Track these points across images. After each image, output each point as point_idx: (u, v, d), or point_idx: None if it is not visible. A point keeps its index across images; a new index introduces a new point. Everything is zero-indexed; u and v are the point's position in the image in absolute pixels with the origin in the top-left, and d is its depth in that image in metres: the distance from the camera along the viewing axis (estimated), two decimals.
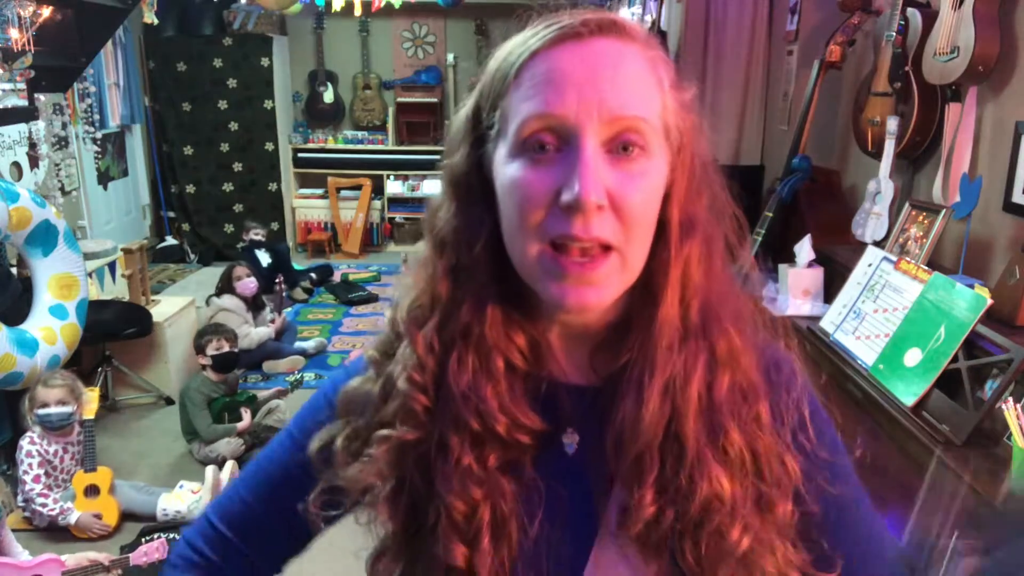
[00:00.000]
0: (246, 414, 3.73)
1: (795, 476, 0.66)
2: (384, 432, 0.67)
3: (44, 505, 3.05)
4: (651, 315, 0.64)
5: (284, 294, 5.10)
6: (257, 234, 6.27)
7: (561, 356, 0.70)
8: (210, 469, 3.29)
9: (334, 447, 0.71)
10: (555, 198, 0.59)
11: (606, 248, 0.60)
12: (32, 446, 3.13)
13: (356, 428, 0.70)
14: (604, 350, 0.68)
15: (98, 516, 3.10)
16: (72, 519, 3.06)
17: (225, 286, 4.83)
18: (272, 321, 5.00)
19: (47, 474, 3.16)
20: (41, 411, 3.12)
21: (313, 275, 6.48)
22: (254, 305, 4.92)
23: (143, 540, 2.94)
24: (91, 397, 3.19)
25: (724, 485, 0.63)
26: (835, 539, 0.68)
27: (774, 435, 0.66)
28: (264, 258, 6.16)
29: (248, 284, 4.79)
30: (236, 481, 0.82)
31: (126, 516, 3.20)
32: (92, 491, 3.13)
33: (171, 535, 2.95)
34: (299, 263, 6.89)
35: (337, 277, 6.64)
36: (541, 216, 0.60)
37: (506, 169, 0.62)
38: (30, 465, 3.10)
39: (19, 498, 3.14)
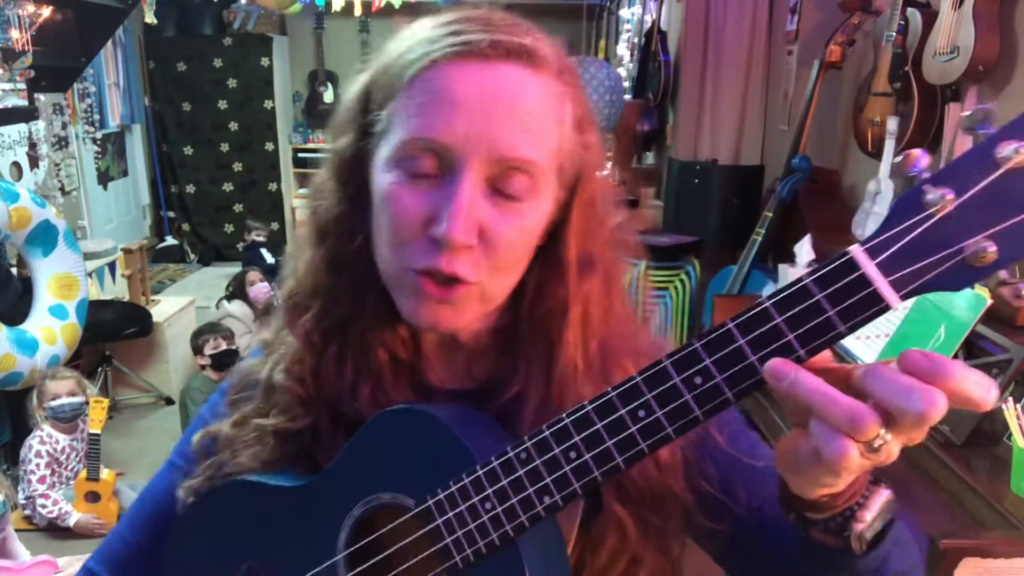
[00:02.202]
0: None
1: (688, 503, 0.64)
2: (265, 422, 0.67)
3: (44, 507, 3.06)
4: (548, 353, 0.63)
5: (276, 302, 5.02)
6: (260, 234, 6.27)
7: (436, 362, 0.69)
8: None
9: (221, 435, 0.70)
10: (425, 225, 0.57)
11: (462, 280, 0.58)
12: (42, 446, 3.14)
13: (244, 414, 0.69)
14: (481, 362, 0.68)
15: (96, 519, 3.11)
16: (71, 521, 3.07)
17: (237, 291, 4.74)
18: None
19: (52, 471, 3.18)
20: (54, 403, 3.13)
21: None
22: (265, 312, 4.81)
23: None
24: (99, 410, 3.18)
25: (629, 527, 0.62)
26: (728, 493, 0.65)
27: (672, 473, 0.63)
28: (269, 257, 6.15)
29: (261, 289, 4.69)
30: (117, 525, 0.79)
31: None
32: (93, 497, 3.14)
33: None
34: None
35: None
36: (411, 241, 0.58)
37: (384, 177, 0.59)
38: (37, 465, 3.11)
39: (21, 495, 3.14)
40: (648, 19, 5.10)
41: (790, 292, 0.46)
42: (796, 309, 0.45)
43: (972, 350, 1.67)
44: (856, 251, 0.45)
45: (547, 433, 0.53)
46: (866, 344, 1.93)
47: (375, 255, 0.62)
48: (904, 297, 0.44)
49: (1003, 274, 0.39)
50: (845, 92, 3.07)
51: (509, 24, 0.60)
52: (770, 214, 2.98)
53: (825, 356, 0.47)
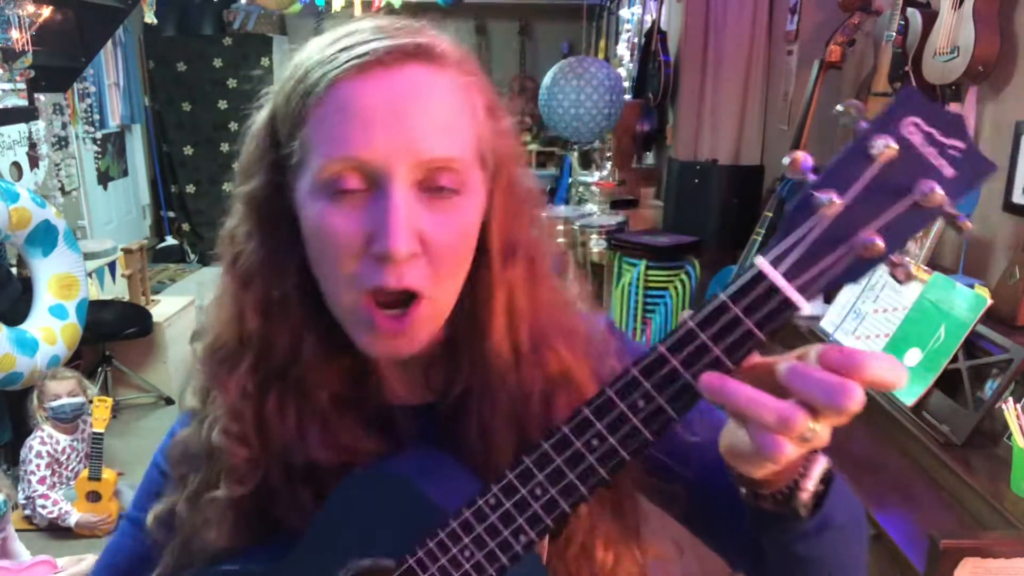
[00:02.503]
0: None
1: (638, 468, 0.65)
2: (215, 494, 0.64)
3: (44, 507, 3.06)
4: (480, 344, 0.63)
5: None
6: None
7: (393, 378, 0.67)
8: None
9: (176, 513, 0.66)
10: (366, 244, 0.56)
11: (415, 296, 0.58)
12: (43, 446, 3.14)
13: (194, 489, 0.66)
14: (436, 369, 0.66)
15: (97, 516, 3.10)
16: (72, 521, 3.07)
17: None
18: None
19: (53, 472, 3.18)
20: (55, 403, 3.13)
21: None
22: None
23: None
24: (103, 409, 3.19)
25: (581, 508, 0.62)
26: (681, 471, 0.67)
27: None
28: None
29: None
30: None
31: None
32: (94, 496, 3.14)
33: None
34: None
35: None
36: (354, 265, 0.57)
37: (311, 208, 0.58)
38: (37, 466, 3.11)
39: (21, 495, 3.14)
40: (648, 19, 5.10)
41: (710, 310, 0.49)
42: (718, 325, 0.49)
43: (972, 350, 1.67)
44: (761, 263, 0.48)
45: (511, 476, 0.54)
46: (867, 344, 1.93)
47: (322, 293, 0.61)
48: (810, 297, 0.48)
49: (892, 257, 0.46)
50: (845, 92, 3.07)
51: (401, 27, 0.59)
52: (770, 214, 2.98)
53: (753, 358, 0.50)
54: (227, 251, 0.65)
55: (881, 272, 2.05)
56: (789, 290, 0.47)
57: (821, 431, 0.47)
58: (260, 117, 0.63)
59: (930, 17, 2.22)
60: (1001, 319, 1.72)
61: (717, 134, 3.99)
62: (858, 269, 0.47)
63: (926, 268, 1.92)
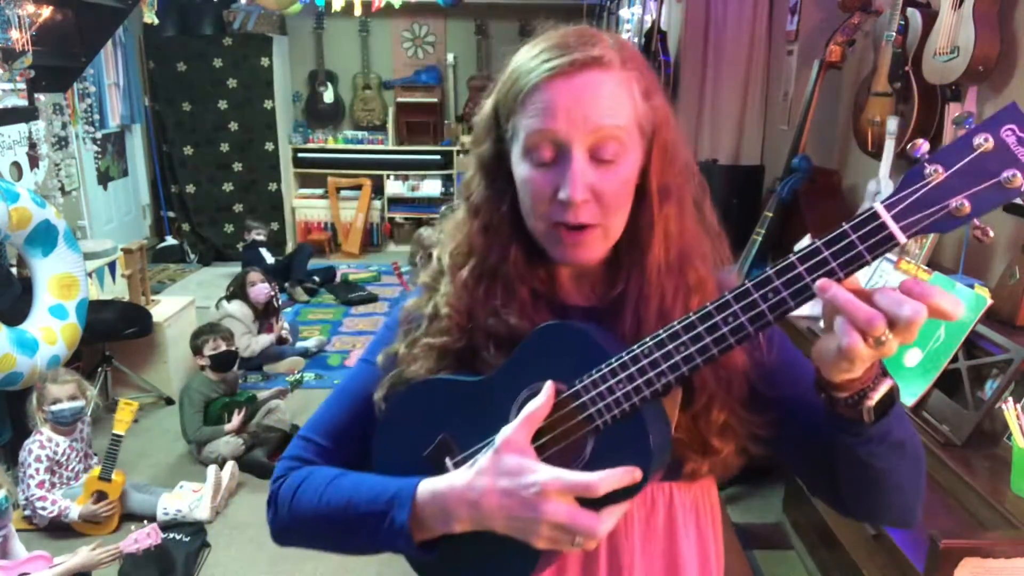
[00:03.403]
0: (237, 417, 3.71)
1: (745, 362, 0.87)
2: (433, 340, 0.91)
3: (44, 508, 3.06)
4: (641, 259, 0.87)
5: (278, 302, 5.00)
6: (259, 234, 6.27)
7: (571, 286, 0.93)
8: (211, 468, 3.30)
9: (399, 353, 0.93)
10: (554, 193, 0.82)
11: (589, 225, 0.82)
12: (42, 450, 3.12)
13: (414, 338, 0.93)
14: (601, 282, 0.92)
15: (100, 500, 3.11)
16: (73, 515, 3.06)
17: (237, 291, 4.76)
18: (274, 329, 4.92)
19: (53, 473, 3.17)
20: (55, 407, 3.12)
21: (316, 277, 6.47)
22: (265, 312, 4.82)
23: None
24: (128, 412, 3.18)
25: (707, 378, 0.84)
26: (776, 387, 0.88)
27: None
28: (269, 257, 6.16)
29: (261, 290, 4.71)
30: (323, 404, 1.01)
31: (126, 516, 3.20)
32: (100, 496, 3.13)
33: (171, 535, 2.95)
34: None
35: (337, 277, 6.63)
36: (546, 207, 0.83)
37: (520, 166, 0.85)
38: (36, 470, 3.10)
39: (20, 496, 3.14)
40: (648, 19, 5.10)
41: (833, 235, 0.67)
42: (838, 246, 0.67)
43: (972, 350, 1.67)
44: (878, 206, 0.66)
45: (663, 335, 0.74)
46: None
47: (524, 221, 0.87)
48: (909, 236, 0.65)
49: (975, 221, 0.67)
50: (845, 92, 3.08)
51: (582, 42, 0.82)
52: (770, 214, 2.98)
53: (855, 281, 0.68)
54: (464, 191, 0.94)
55: (881, 272, 2.05)
56: (894, 227, 0.65)
57: (891, 340, 0.65)
58: (487, 104, 0.90)
59: (930, 17, 2.22)
60: (1001, 319, 1.72)
61: (717, 134, 3.99)
62: (949, 223, 0.65)
63: (926, 268, 1.92)
